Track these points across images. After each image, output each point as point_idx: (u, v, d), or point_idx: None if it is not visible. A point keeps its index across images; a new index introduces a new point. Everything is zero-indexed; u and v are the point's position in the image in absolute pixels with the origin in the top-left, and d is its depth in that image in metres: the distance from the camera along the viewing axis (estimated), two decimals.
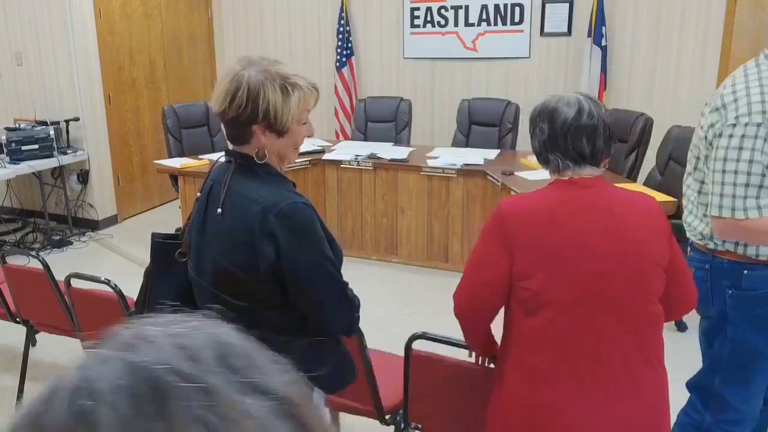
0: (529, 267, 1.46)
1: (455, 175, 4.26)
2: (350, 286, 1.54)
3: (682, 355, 2.27)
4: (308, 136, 1.52)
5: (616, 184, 1.57)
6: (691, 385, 2.00)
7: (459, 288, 1.57)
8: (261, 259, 1.38)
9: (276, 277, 1.41)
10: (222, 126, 1.50)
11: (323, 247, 1.44)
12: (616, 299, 1.43)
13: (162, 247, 1.59)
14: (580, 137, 1.47)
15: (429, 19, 5.94)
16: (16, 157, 4.80)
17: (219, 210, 1.43)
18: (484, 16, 5.76)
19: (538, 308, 1.47)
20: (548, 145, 1.52)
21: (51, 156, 4.98)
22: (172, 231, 1.67)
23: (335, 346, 1.59)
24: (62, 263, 4.56)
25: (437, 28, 5.93)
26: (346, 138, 6.00)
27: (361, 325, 1.88)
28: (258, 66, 1.41)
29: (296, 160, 4.48)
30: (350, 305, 1.52)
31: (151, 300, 1.62)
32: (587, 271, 1.42)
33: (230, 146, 1.51)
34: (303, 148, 1.55)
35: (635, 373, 1.45)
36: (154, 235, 1.60)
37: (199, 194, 1.54)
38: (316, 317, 1.47)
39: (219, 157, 1.56)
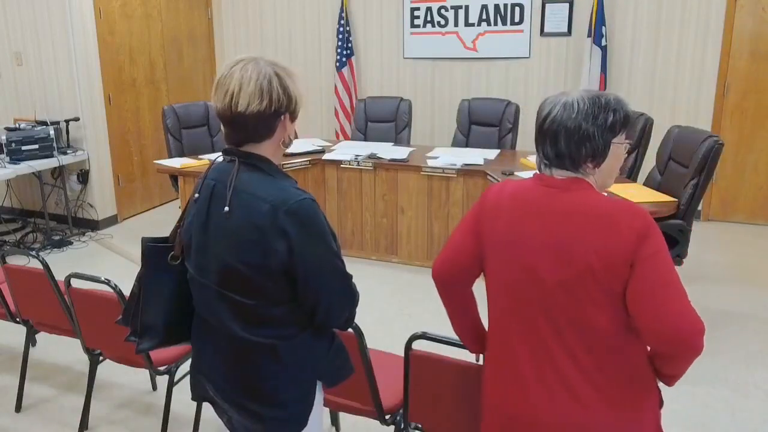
0: (483, 251, 1.52)
1: (455, 175, 4.26)
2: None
3: None
4: None
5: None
6: None
7: (440, 252, 1.63)
8: (273, 257, 1.39)
9: (286, 274, 1.43)
10: (227, 128, 1.46)
11: (331, 242, 1.47)
12: (545, 301, 1.40)
13: (154, 251, 1.58)
14: (545, 140, 1.47)
15: (429, 19, 5.94)
16: (16, 157, 4.81)
17: (226, 208, 1.42)
18: (484, 16, 5.76)
19: (490, 293, 1.53)
20: (536, 142, 1.55)
21: (51, 156, 4.99)
22: (171, 231, 1.66)
23: (332, 339, 1.60)
24: (62, 263, 4.57)
25: (437, 28, 5.93)
26: (346, 138, 6.00)
27: (362, 325, 1.89)
28: (259, 61, 1.44)
29: (296, 160, 4.50)
30: (353, 299, 1.55)
31: (144, 304, 1.61)
32: (518, 267, 1.43)
33: (226, 146, 1.50)
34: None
35: (572, 384, 1.39)
36: (144, 240, 1.59)
37: (197, 195, 1.53)
38: (323, 311, 1.48)
39: (216, 157, 1.55)
